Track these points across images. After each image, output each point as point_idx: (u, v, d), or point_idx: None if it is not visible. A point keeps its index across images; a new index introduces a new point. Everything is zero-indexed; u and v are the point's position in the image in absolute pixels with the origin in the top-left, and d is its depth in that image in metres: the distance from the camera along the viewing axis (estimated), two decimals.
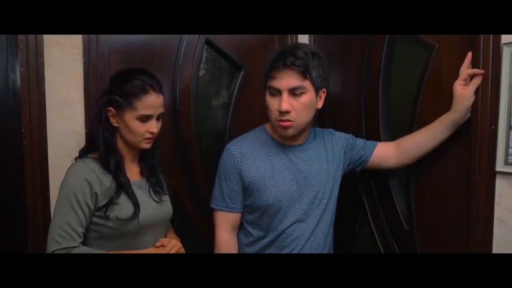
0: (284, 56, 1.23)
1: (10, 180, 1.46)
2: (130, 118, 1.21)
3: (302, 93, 1.24)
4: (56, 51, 1.47)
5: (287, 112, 1.24)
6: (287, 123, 1.26)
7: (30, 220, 1.46)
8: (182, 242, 1.42)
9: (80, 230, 1.16)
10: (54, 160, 1.48)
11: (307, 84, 1.23)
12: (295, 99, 1.24)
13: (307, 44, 1.34)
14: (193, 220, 1.71)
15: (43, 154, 1.46)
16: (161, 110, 1.25)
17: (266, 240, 1.33)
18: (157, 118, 1.25)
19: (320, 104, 1.31)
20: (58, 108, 1.48)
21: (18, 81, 1.44)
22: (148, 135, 1.23)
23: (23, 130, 1.44)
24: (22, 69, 1.43)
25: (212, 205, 1.39)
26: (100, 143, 1.23)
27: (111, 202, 1.18)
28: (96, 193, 1.17)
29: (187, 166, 1.69)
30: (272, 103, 1.27)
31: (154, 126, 1.23)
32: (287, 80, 1.23)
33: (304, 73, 1.22)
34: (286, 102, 1.23)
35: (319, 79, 1.25)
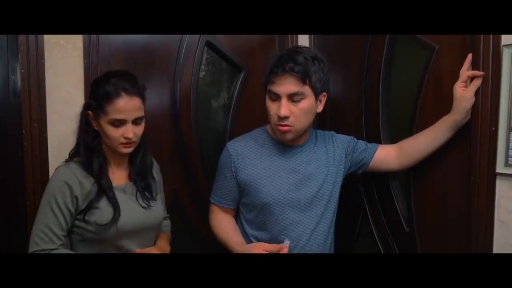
0: (284, 61, 1.22)
1: (10, 182, 1.46)
2: (103, 122, 1.19)
3: (302, 98, 1.24)
4: (57, 52, 1.48)
5: (286, 117, 1.24)
6: (286, 128, 1.26)
7: (31, 222, 1.45)
8: (182, 242, 1.42)
9: (60, 233, 1.16)
10: (54, 162, 1.47)
11: (306, 89, 1.23)
12: (294, 104, 1.24)
13: (308, 48, 1.33)
14: (193, 220, 1.71)
15: (43, 156, 1.47)
16: (137, 114, 1.19)
17: (263, 239, 1.33)
18: (135, 123, 1.20)
19: (320, 108, 1.31)
20: (58, 110, 1.48)
21: (19, 83, 1.44)
22: (123, 140, 1.19)
23: (23, 131, 1.44)
24: (22, 70, 1.43)
25: (210, 198, 1.45)
26: (81, 146, 1.23)
27: (90, 206, 1.17)
28: (76, 197, 1.17)
29: (187, 166, 1.69)
30: (272, 107, 1.27)
31: (129, 131, 1.18)
32: (286, 85, 1.23)
33: (304, 79, 1.22)
34: (284, 108, 1.23)
35: (319, 84, 1.25)
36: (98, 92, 1.19)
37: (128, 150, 1.22)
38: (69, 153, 1.28)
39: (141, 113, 1.21)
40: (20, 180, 1.45)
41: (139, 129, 1.22)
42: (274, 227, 1.32)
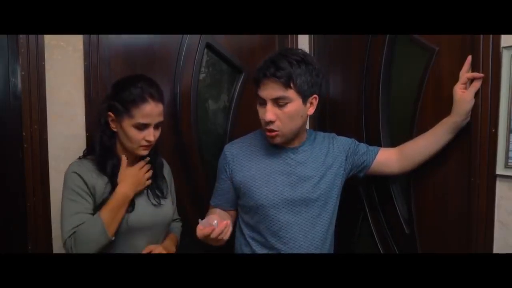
0: (266, 66, 1.22)
1: (10, 183, 1.47)
2: (127, 125, 1.22)
3: (287, 102, 1.23)
4: (57, 54, 1.48)
5: (271, 122, 1.24)
6: (273, 133, 1.27)
7: (31, 223, 1.47)
8: (181, 243, 1.42)
9: (87, 212, 1.19)
10: (54, 163, 1.49)
11: (291, 93, 1.22)
12: (279, 108, 1.24)
13: (296, 50, 1.31)
14: (193, 222, 1.71)
15: (43, 157, 1.47)
16: (159, 119, 1.25)
17: (260, 240, 1.34)
18: (156, 127, 1.25)
19: (311, 111, 1.30)
20: (59, 111, 1.49)
21: (19, 85, 1.44)
22: (144, 143, 1.24)
23: (24, 133, 1.44)
24: (23, 72, 1.44)
25: (210, 201, 1.46)
26: (97, 146, 1.25)
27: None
28: (88, 184, 1.20)
29: (187, 167, 1.70)
30: (260, 111, 1.28)
31: (151, 135, 1.24)
32: (269, 90, 1.23)
33: (287, 83, 1.21)
34: (269, 112, 1.23)
35: (306, 87, 1.23)
36: (124, 95, 1.21)
37: (146, 152, 1.27)
38: (83, 152, 1.31)
39: (162, 118, 1.27)
40: (20, 181, 1.46)
41: (159, 133, 1.27)
42: (269, 228, 1.32)
